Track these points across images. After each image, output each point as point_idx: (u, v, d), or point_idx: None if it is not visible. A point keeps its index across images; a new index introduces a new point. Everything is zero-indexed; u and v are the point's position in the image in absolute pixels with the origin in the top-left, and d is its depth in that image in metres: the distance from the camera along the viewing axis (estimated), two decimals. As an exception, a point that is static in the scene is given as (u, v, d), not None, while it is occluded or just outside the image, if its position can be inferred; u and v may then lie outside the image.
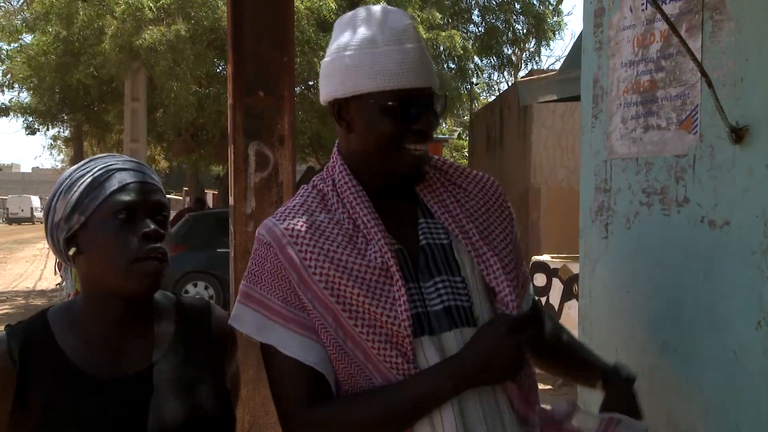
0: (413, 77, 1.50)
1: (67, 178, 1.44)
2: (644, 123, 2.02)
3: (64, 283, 1.61)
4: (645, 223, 2.02)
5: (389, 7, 1.63)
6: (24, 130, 15.37)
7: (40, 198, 69.09)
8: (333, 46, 1.56)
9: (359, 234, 1.52)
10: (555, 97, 7.02)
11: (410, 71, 1.50)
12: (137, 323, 1.44)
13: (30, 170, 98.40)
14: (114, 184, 1.40)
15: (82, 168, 1.44)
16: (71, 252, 1.41)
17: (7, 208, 61.00)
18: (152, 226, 1.39)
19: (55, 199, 1.43)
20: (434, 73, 1.57)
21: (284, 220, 1.53)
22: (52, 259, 19.47)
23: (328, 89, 1.56)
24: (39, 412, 1.34)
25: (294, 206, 1.56)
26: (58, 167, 49.70)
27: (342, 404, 1.48)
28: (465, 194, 1.63)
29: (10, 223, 56.98)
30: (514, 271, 1.57)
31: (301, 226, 1.51)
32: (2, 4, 15.97)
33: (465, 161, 24.33)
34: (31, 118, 15.26)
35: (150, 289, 1.40)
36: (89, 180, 1.41)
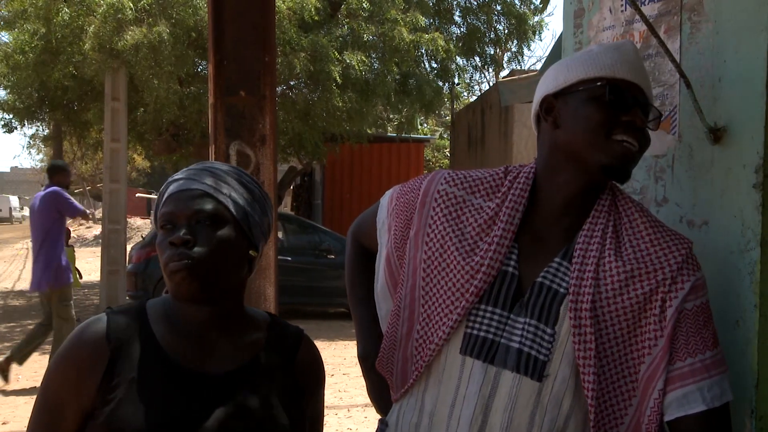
0: (626, 70, 1.51)
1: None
2: (624, 123, 2.02)
3: None
4: (625, 222, 2.02)
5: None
6: (1, 128, 15.16)
7: (19, 198, 68.37)
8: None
9: (489, 234, 1.52)
10: (536, 98, 7.03)
11: (624, 64, 1.51)
12: (227, 329, 1.48)
13: (8, 170, 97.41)
14: (164, 196, 1.47)
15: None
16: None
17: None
18: (179, 234, 1.41)
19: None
20: (648, 80, 1.56)
21: (452, 184, 1.58)
22: (30, 259, 19.21)
23: (539, 92, 1.58)
24: (124, 389, 1.38)
25: (474, 178, 1.59)
26: (38, 167, 49.23)
27: (352, 271, 1.84)
28: (632, 256, 1.48)
29: None
30: (634, 367, 1.45)
31: (452, 199, 1.57)
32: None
33: (447, 161, 24.35)
34: (9, 116, 15.09)
35: (182, 288, 1.42)
36: (159, 194, 1.50)
